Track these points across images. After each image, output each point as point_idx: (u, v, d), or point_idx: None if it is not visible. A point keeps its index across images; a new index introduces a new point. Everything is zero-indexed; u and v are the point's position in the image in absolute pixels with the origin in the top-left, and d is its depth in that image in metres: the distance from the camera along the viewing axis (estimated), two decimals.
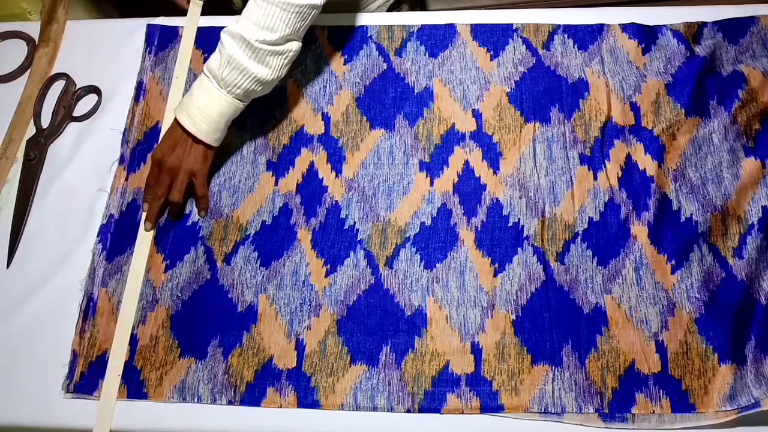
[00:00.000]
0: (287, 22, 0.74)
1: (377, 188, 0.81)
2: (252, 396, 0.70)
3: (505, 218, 0.78)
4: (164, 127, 0.86)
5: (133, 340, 0.74)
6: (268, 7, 0.73)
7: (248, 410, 0.70)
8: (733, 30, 0.87)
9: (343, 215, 0.80)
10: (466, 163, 0.82)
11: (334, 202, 0.80)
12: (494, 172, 0.81)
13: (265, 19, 0.73)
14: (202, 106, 0.75)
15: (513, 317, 0.73)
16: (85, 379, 0.72)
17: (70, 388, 0.72)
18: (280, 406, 0.70)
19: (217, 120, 0.76)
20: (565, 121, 0.83)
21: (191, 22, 0.93)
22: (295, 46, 0.77)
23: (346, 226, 0.79)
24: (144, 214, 0.80)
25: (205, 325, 0.74)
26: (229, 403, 0.70)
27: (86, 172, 0.84)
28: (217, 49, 0.76)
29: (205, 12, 0.94)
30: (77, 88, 0.90)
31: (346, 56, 0.90)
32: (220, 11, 0.95)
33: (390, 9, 1.06)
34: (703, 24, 0.88)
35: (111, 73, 0.91)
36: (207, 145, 0.78)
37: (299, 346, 0.73)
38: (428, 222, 0.79)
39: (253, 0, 0.74)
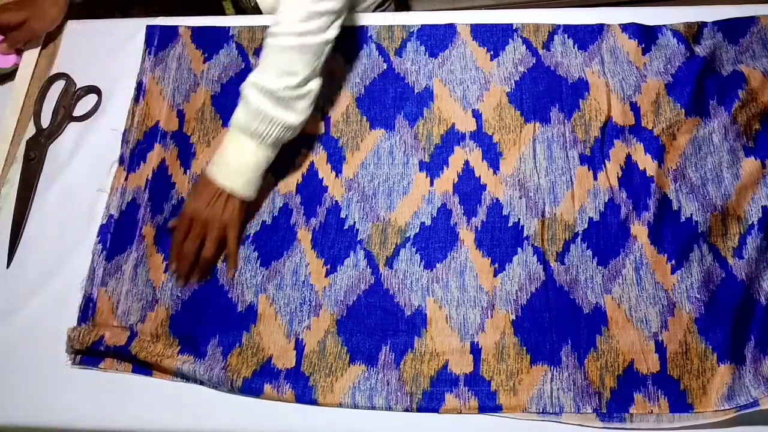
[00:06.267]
0: (306, 63, 0.74)
1: (377, 188, 0.81)
2: (249, 390, 0.71)
3: (505, 218, 0.78)
4: (164, 126, 0.86)
5: (133, 339, 0.74)
6: (285, 52, 0.74)
7: (248, 410, 0.70)
8: (733, 30, 0.87)
9: (343, 215, 0.80)
10: (466, 163, 0.82)
11: (334, 202, 0.80)
12: (494, 172, 0.81)
13: (286, 64, 0.74)
14: (238, 162, 0.75)
15: (513, 317, 0.73)
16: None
17: (76, 360, 0.73)
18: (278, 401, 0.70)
19: (253, 172, 0.76)
20: (565, 121, 0.83)
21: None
22: (315, 84, 0.77)
23: (346, 226, 0.79)
24: (174, 273, 0.77)
25: (204, 325, 0.75)
26: (229, 391, 0.71)
27: (86, 172, 0.85)
28: (241, 104, 0.75)
29: (201, 12, 0.95)
30: (77, 88, 0.90)
31: (346, 56, 0.90)
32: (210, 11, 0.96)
33: (375, 9, 1.06)
34: (703, 24, 0.88)
35: (111, 73, 0.91)
36: (241, 200, 0.77)
37: (298, 346, 0.73)
38: (428, 222, 0.79)
39: (269, 47, 0.75)
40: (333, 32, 0.76)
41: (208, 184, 0.76)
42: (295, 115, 0.76)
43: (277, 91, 0.73)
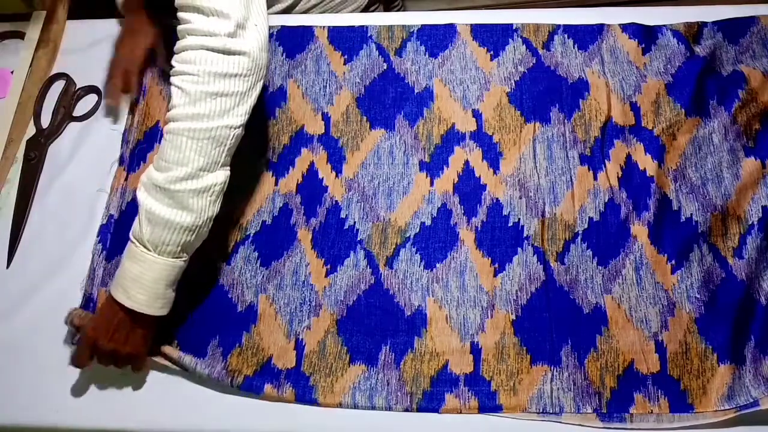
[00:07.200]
0: (199, 150, 0.65)
1: (377, 188, 0.81)
2: (249, 389, 0.70)
3: (505, 218, 0.78)
4: (163, 126, 0.86)
5: None
6: (175, 139, 0.65)
7: (248, 410, 0.70)
8: (733, 30, 0.87)
9: (343, 215, 0.80)
10: (466, 163, 0.82)
11: (334, 202, 0.80)
12: (494, 172, 0.81)
13: (175, 152, 0.64)
14: (135, 276, 0.66)
15: (513, 317, 0.73)
16: None
17: (75, 340, 0.71)
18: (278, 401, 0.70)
19: (153, 287, 0.66)
20: (565, 121, 0.83)
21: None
22: (217, 178, 0.67)
23: (346, 226, 0.79)
24: None
25: (204, 325, 0.74)
26: (229, 387, 0.70)
27: (86, 172, 0.85)
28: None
29: None
30: (77, 88, 0.90)
31: (346, 56, 0.90)
32: None
33: (363, 10, 1.05)
34: (703, 24, 0.88)
35: None
36: (148, 324, 0.68)
37: (298, 346, 0.73)
38: (428, 222, 0.79)
39: (163, 136, 0.66)
40: (236, 119, 0.66)
41: (109, 306, 0.67)
42: (192, 216, 0.65)
43: (164, 183, 0.64)
